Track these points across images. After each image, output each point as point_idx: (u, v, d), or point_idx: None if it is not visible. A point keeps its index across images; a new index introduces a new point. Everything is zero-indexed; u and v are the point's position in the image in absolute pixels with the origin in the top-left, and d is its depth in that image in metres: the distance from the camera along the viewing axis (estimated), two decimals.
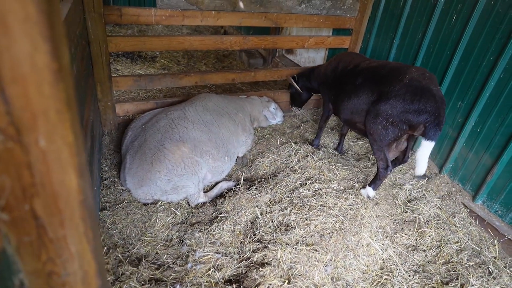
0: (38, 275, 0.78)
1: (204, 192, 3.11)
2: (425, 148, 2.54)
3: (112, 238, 2.48)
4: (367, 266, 2.52)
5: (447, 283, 2.35)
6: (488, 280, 2.34)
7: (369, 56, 4.41)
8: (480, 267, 2.46)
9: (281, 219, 2.72)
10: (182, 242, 2.55)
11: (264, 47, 4.26)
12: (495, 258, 2.61)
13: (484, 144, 2.99)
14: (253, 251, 2.43)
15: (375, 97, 2.74)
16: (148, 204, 2.84)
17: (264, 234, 2.57)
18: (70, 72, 0.65)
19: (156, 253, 2.45)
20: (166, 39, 3.60)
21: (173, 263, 2.38)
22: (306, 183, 3.11)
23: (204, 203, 2.99)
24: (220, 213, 2.78)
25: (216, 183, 3.26)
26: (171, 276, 2.23)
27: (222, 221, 2.67)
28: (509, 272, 2.48)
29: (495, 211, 2.94)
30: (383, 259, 2.58)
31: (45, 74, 0.55)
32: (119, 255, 2.28)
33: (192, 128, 2.99)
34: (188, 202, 2.97)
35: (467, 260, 2.53)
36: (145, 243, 2.50)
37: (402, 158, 3.12)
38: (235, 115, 3.59)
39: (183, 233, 2.63)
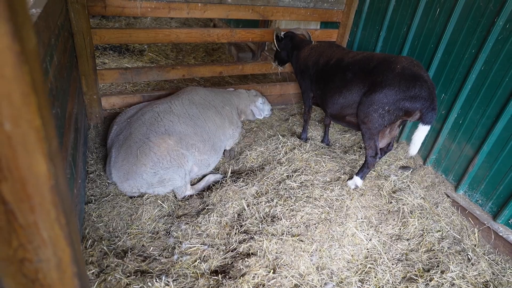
0: (10, 262, 0.77)
1: (191, 184, 3.11)
2: (422, 132, 2.65)
3: (97, 231, 2.47)
4: (351, 255, 2.56)
5: (428, 270, 2.41)
6: (467, 266, 2.41)
7: (357, 49, 4.43)
8: (460, 254, 2.53)
9: (267, 211, 2.74)
10: (169, 234, 2.55)
11: (252, 40, 4.25)
12: (474, 245, 2.69)
13: (466, 136, 3.06)
14: (239, 242, 2.45)
15: (367, 88, 2.77)
16: (134, 197, 2.83)
17: (250, 225, 2.59)
18: (36, 56, 0.64)
19: (142, 245, 2.45)
20: (152, 31, 3.56)
21: (159, 255, 2.38)
22: (293, 175, 3.13)
23: (191, 196, 2.99)
24: (207, 205, 2.79)
25: (203, 176, 3.26)
26: (157, 268, 2.24)
27: (209, 213, 2.68)
28: (487, 258, 2.56)
29: (476, 200, 3.01)
30: (367, 249, 2.63)
31: (7, 56, 0.54)
32: (104, 248, 2.27)
33: (177, 122, 2.98)
34: (175, 195, 2.97)
35: (448, 247, 2.59)
36: (131, 236, 2.49)
37: (387, 147, 3.18)
38: (221, 108, 3.59)
39: (169, 225, 2.63)
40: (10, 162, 0.65)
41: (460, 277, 2.32)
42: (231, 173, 3.28)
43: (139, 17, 7.81)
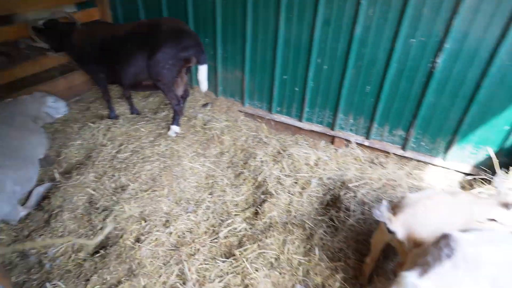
0: None
1: (22, 205, 2.91)
2: (202, 71, 3.43)
3: None
4: (197, 182, 3.23)
5: (246, 162, 3.39)
6: (266, 147, 3.55)
7: (124, 21, 4.68)
8: (260, 143, 3.66)
9: (114, 185, 3.00)
10: (26, 255, 2.47)
11: (4, 41, 3.80)
12: (265, 134, 3.89)
13: (233, 64, 4.09)
14: (104, 219, 2.67)
15: (148, 52, 3.22)
16: None
17: (105, 202, 2.82)
18: None
19: None
20: None
21: (28, 276, 2.34)
22: (121, 149, 3.41)
23: (28, 214, 2.84)
24: (53, 211, 2.77)
25: (30, 192, 3.07)
26: (35, 283, 2.24)
27: (59, 215, 2.70)
28: (273, 137, 3.80)
29: (256, 106, 4.20)
30: (205, 172, 3.36)
31: None
32: None
33: None
34: (7, 223, 2.74)
35: (252, 142, 3.67)
36: None
37: (185, 94, 3.88)
38: (12, 121, 3.28)
39: (21, 248, 2.52)
40: None
41: (265, 155, 3.42)
42: (60, 174, 3.22)
43: None
